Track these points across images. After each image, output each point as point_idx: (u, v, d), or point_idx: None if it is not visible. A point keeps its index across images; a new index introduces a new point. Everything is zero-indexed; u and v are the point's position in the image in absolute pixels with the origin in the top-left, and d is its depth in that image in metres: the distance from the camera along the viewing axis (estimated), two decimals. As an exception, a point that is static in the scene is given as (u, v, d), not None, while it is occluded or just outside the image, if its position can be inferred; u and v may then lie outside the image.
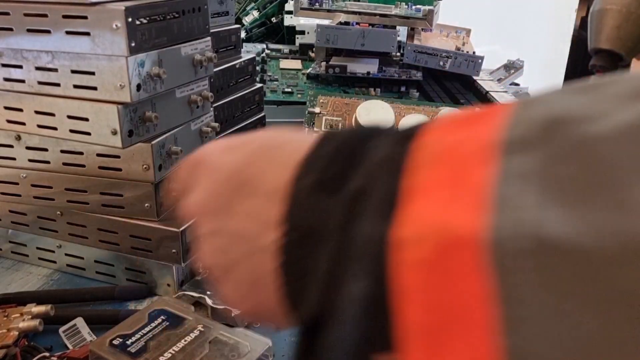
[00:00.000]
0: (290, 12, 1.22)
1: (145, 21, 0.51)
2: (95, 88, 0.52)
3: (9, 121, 0.58)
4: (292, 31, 1.22)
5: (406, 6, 1.07)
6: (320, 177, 0.21)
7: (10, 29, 0.53)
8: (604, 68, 0.40)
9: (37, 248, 0.64)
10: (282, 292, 0.21)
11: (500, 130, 0.17)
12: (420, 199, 0.17)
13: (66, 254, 0.63)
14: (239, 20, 1.27)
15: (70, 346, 0.51)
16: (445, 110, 0.89)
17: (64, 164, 0.58)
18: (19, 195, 0.62)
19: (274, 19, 1.32)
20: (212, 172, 0.26)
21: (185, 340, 0.47)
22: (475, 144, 0.17)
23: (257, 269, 0.23)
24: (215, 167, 0.26)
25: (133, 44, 0.50)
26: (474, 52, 1.07)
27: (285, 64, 1.11)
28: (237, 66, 0.74)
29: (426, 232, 0.16)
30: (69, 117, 0.54)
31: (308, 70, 1.05)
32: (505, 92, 1.02)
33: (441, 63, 1.02)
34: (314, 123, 0.88)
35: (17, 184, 0.61)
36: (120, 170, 0.57)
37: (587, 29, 0.40)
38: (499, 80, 1.24)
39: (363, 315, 0.18)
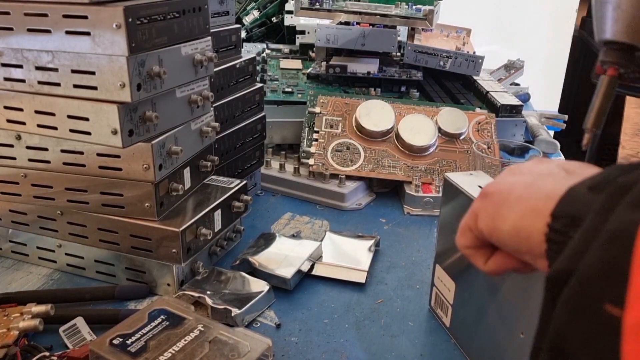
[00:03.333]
0: (290, 12, 1.22)
1: (145, 21, 0.51)
2: (95, 88, 0.52)
3: (9, 121, 0.58)
4: (293, 31, 1.22)
5: (406, 6, 1.07)
6: (590, 182, 0.27)
7: (11, 29, 0.53)
8: (616, 64, 0.34)
9: (37, 247, 0.65)
10: (545, 247, 0.28)
11: None
12: None
13: (66, 254, 0.63)
14: (239, 20, 1.27)
15: (70, 346, 0.51)
16: (445, 110, 0.89)
17: (64, 163, 0.58)
18: (19, 195, 0.62)
19: (274, 19, 1.32)
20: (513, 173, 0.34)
21: (185, 340, 0.47)
22: None
23: (532, 206, 0.29)
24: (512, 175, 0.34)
25: (133, 44, 0.50)
26: (474, 52, 1.07)
27: (285, 63, 1.11)
28: (238, 66, 0.74)
29: None
30: (69, 116, 0.54)
31: (308, 70, 1.05)
32: (506, 92, 1.02)
33: (441, 63, 1.02)
34: (314, 123, 0.88)
35: (17, 183, 0.61)
36: (120, 170, 0.57)
37: (592, 16, 0.34)
38: (499, 80, 1.24)
39: (604, 275, 0.22)
